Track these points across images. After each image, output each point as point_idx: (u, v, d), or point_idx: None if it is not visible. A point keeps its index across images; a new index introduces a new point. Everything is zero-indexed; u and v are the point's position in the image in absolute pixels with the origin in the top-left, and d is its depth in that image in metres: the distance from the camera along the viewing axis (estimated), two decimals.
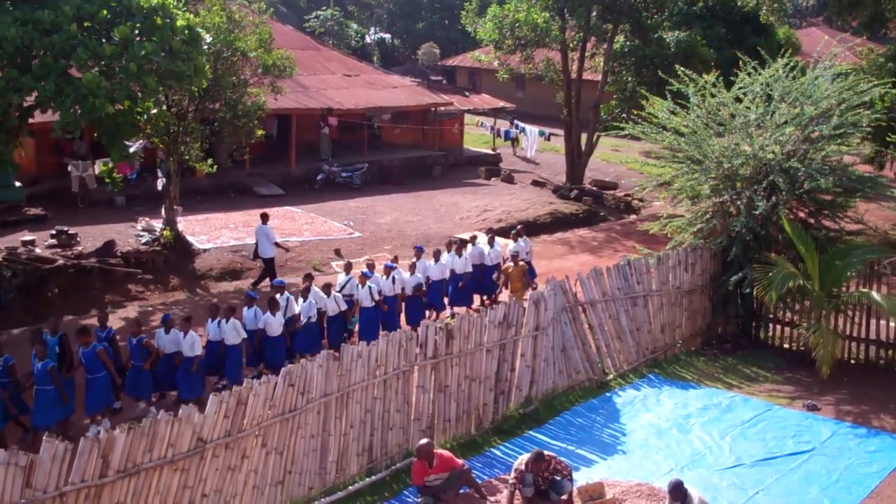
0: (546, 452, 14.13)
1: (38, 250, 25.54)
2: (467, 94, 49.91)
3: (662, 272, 20.04)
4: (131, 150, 24.65)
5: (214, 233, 29.71)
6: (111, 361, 16.67)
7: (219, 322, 18.21)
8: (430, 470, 13.91)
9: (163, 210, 28.28)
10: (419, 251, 23.32)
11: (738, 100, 22.09)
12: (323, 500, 13.83)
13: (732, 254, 20.43)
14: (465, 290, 23.23)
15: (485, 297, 24.21)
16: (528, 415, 17.04)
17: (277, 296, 19.39)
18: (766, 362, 20.29)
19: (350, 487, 14.25)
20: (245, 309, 18.97)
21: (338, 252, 28.99)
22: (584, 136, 39.47)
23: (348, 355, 14.31)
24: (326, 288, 20.15)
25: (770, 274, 19.03)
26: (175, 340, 17.59)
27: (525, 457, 13.90)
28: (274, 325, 18.64)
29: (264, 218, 25.41)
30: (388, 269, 21.38)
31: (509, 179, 41.78)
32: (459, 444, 15.79)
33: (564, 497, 13.88)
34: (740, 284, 20.31)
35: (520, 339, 17.06)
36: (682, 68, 23.15)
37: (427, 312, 22.33)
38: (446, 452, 14.36)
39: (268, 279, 24.44)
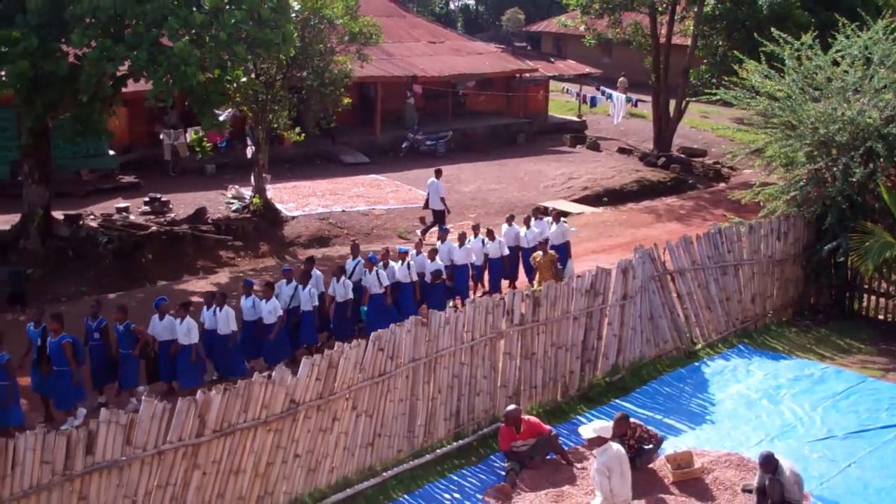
0: (633, 420, 14.08)
1: (132, 217, 26.19)
2: (552, 60, 49.52)
3: (754, 241, 19.69)
4: (221, 118, 25.11)
5: (302, 200, 30.07)
6: (78, 356, 15.72)
7: (214, 310, 17.31)
8: (518, 435, 13.96)
9: (252, 178, 28.71)
10: (444, 233, 22.19)
11: (836, 63, 21.49)
12: (411, 462, 13.97)
13: (827, 222, 19.96)
14: (499, 274, 21.99)
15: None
16: (614, 383, 16.96)
17: (283, 282, 18.61)
18: (860, 333, 19.83)
19: (438, 451, 14.37)
20: (243, 298, 18.09)
21: (423, 220, 29.09)
22: (672, 103, 38.87)
23: (436, 322, 14.39)
24: (339, 271, 19.20)
25: (866, 243, 18.59)
26: (170, 327, 16.72)
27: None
28: (265, 312, 17.67)
29: (437, 173, 27.11)
30: (403, 255, 20.11)
31: (595, 147, 41.44)
32: (545, 411, 15.79)
33: (651, 465, 13.82)
34: (834, 254, 19.89)
35: (607, 307, 16.95)
36: (776, 31, 22.60)
37: (451, 300, 20.69)
38: (534, 418, 14.39)
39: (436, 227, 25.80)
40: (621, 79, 49.30)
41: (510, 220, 23.13)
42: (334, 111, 29.71)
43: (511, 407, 14.20)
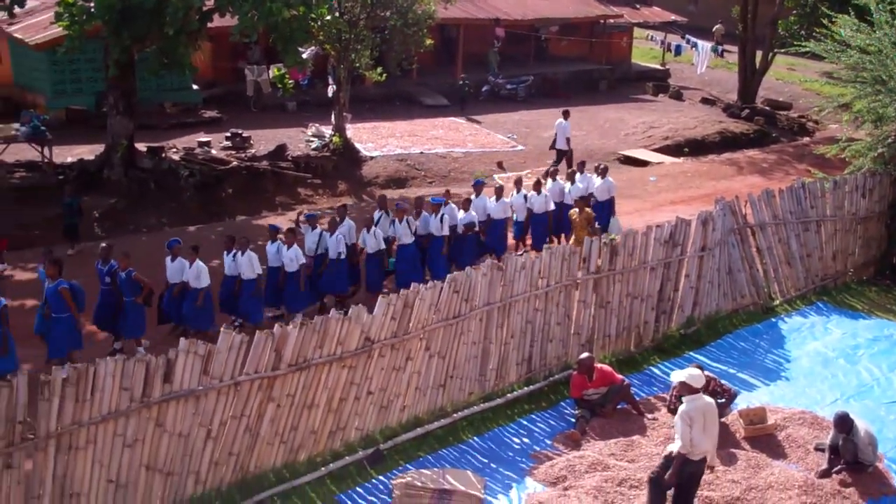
0: (706, 373, 13.95)
1: (213, 152, 26.51)
2: (638, 6, 48.60)
3: (838, 197, 19.27)
4: (304, 56, 25.13)
5: (381, 141, 30.13)
6: (77, 302, 14.84)
7: (234, 255, 16.66)
8: (590, 384, 13.96)
9: (332, 116, 28.83)
10: (478, 186, 20.53)
11: None
12: (482, 405, 14.07)
13: None
14: (543, 231, 20.44)
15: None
16: (689, 335, 16.83)
17: (307, 228, 17.99)
18: None
19: (508, 395, 14.44)
20: (269, 243, 17.38)
21: (500, 165, 29.06)
22: (758, 54, 37.96)
23: (512, 266, 14.39)
24: (367, 222, 18.34)
25: None
26: (180, 270, 16.19)
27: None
28: (286, 259, 16.98)
29: (565, 115, 27.54)
30: (436, 206, 18.81)
31: (677, 96, 40.78)
32: (618, 361, 15.74)
33: (723, 419, 13.73)
34: None
35: (685, 258, 16.78)
36: None
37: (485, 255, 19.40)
38: (606, 367, 14.37)
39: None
40: (717, 26, 48.25)
41: (553, 174, 22.02)
42: (416, 52, 29.61)
43: (584, 355, 14.20)
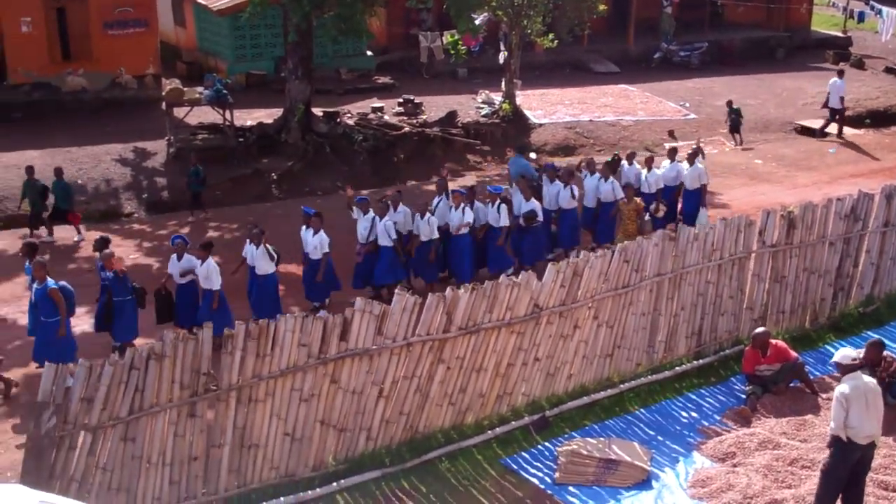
0: (887, 353, 13.45)
1: (386, 117, 26.96)
2: None
3: None
4: (476, 22, 25.22)
5: (550, 108, 30.00)
6: (69, 305, 13.73)
7: (255, 246, 15.52)
8: (763, 359, 13.64)
9: (502, 83, 28.84)
10: (551, 171, 19.03)
11: None
12: (649, 377, 13.96)
13: None
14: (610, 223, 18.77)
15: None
16: (868, 314, 16.23)
17: (359, 213, 16.95)
18: None
19: (677, 368, 14.28)
20: (303, 228, 16.50)
21: (671, 134, 28.48)
22: None
23: (684, 237, 14.17)
24: (424, 208, 17.17)
25: None
26: (188, 269, 15.09)
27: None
28: (310, 246, 16.16)
29: (840, 74, 29.27)
30: (493, 195, 17.62)
31: (859, 65, 38.96)
32: (792, 338, 15.28)
33: None
34: None
35: (867, 233, 16.16)
36: None
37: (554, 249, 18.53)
38: (781, 343, 14.00)
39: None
40: None
41: (630, 157, 20.26)
42: (588, 18, 29.31)
43: (760, 329, 13.90)
